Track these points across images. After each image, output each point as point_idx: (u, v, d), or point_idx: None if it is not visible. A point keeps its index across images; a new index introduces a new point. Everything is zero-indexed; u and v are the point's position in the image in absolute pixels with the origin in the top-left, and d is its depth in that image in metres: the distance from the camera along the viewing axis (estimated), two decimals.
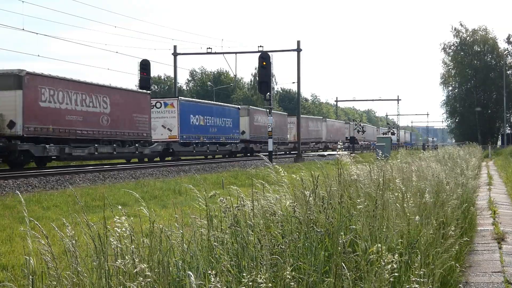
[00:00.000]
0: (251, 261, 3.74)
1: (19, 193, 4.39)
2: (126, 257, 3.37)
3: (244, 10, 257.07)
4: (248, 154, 46.90)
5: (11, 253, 7.16)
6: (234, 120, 43.94)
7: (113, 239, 3.51)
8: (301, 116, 50.78)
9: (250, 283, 3.05)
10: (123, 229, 3.48)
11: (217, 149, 41.25)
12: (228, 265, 3.36)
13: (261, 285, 2.82)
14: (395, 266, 3.45)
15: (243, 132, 45.82)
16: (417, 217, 5.09)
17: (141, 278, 3.09)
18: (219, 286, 2.86)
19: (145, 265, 3.15)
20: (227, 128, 42.64)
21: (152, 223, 3.81)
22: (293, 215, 4.46)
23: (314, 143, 64.16)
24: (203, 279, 3.48)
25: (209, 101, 47.42)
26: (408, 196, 5.58)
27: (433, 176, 8.05)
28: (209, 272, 3.11)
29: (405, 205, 5.35)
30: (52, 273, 3.33)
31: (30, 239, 3.40)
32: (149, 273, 3.13)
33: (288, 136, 55.73)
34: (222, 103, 47.82)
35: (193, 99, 47.73)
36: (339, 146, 6.05)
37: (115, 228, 3.50)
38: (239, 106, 48.11)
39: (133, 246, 3.46)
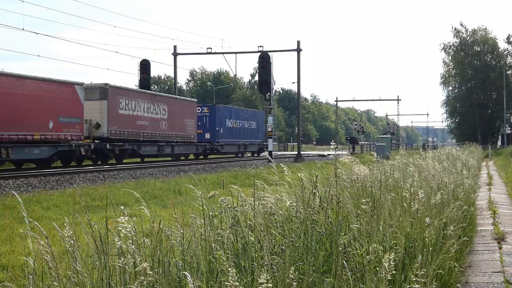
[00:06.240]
0: (251, 261, 3.73)
1: (15, 194, 4.38)
2: (128, 256, 3.37)
3: (244, 10, 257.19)
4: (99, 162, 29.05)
5: (11, 253, 7.16)
6: None
7: (117, 239, 3.50)
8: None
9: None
10: (127, 230, 3.47)
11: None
12: (228, 265, 3.35)
13: (263, 285, 2.81)
14: (392, 263, 3.43)
15: (98, 126, 28.65)
16: (408, 212, 5.08)
17: (142, 277, 3.08)
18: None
19: (147, 264, 3.14)
20: None
21: (153, 223, 3.81)
22: (294, 216, 4.45)
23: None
24: (203, 279, 3.48)
25: None
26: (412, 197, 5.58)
27: (433, 177, 8.04)
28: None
29: (405, 204, 5.35)
30: (52, 273, 3.33)
31: (30, 239, 3.40)
32: (150, 272, 3.13)
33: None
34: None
35: None
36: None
37: (119, 228, 3.49)
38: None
39: (133, 246, 3.45)
